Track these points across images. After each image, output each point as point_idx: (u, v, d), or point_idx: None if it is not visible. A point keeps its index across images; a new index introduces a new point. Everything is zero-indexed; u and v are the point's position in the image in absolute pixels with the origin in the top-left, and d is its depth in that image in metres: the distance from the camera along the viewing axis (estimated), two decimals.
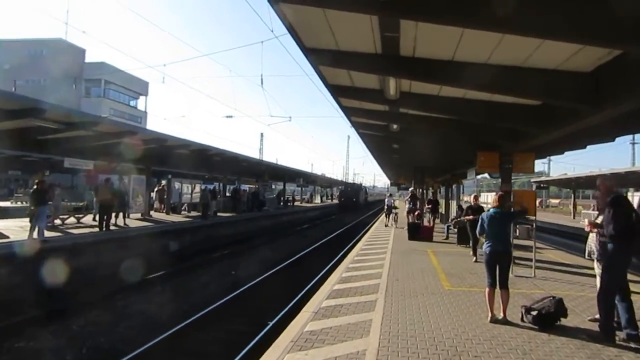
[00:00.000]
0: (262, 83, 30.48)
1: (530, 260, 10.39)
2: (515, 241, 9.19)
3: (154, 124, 74.52)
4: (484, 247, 6.59)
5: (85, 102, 65.57)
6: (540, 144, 11.07)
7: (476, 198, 13.95)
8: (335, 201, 66.89)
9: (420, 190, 30.80)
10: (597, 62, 6.00)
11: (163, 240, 17.71)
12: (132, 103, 77.86)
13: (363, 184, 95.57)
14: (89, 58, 71.42)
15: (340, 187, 76.99)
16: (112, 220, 16.91)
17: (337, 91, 9.92)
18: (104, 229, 15.70)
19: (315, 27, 6.25)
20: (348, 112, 12.61)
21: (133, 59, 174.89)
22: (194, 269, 15.13)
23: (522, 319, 6.37)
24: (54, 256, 12.18)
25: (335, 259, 16.33)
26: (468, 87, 7.45)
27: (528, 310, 6.28)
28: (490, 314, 6.43)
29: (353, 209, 56.14)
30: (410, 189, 29.71)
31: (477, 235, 7.40)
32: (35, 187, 13.79)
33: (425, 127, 12.32)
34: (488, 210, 6.90)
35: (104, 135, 16.22)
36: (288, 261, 16.91)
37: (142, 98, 79.43)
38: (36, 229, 13.13)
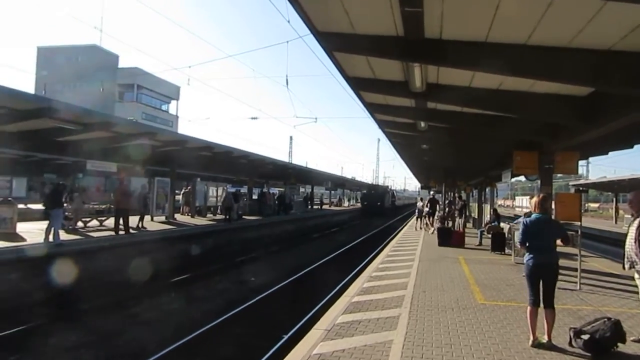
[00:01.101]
0: (287, 83, 29.72)
1: (575, 270, 9.35)
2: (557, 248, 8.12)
3: (182, 127, 75.25)
4: (526, 258, 5.62)
5: (119, 107, 66.99)
6: (584, 142, 9.96)
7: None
8: None
9: (452, 193, 29.66)
10: None
11: (179, 245, 17.23)
12: (164, 107, 79.09)
13: (391, 187, 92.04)
14: (121, 63, 72.83)
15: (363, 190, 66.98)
16: (135, 224, 16.60)
17: (358, 84, 9.10)
18: (120, 232, 15.36)
19: (326, 6, 5.50)
20: (372, 108, 11.76)
21: (158, 61, 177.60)
22: (209, 276, 14.46)
23: (570, 343, 5.41)
24: (57, 261, 11.81)
25: (361, 265, 15.42)
26: (504, 73, 6.50)
27: (578, 333, 5.32)
28: (532, 337, 5.49)
29: (378, 215, 49.52)
30: (432, 192, 29.11)
31: (518, 245, 6.35)
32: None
33: (455, 124, 11.36)
34: (529, 216, 5.94)
35: (124, 137, 15.97)
36: (309, 268, 16.16)
37: (173, 102, 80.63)
38: (52, 232, 12.90)
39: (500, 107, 8.70)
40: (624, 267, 6.01)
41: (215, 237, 20.58)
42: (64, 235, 14.16)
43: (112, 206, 18.05)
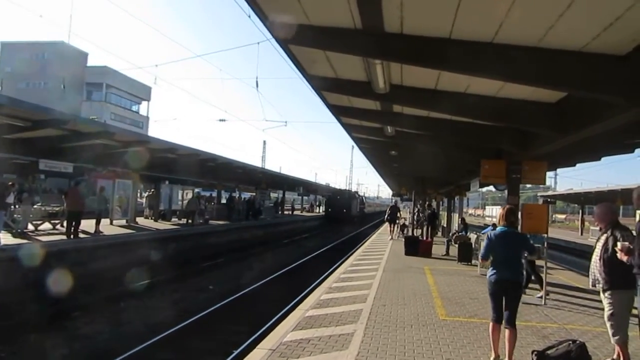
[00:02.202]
0: (257, 85, 28.92)
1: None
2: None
3: (150, 128, 73.22)
4: (489, 274, 5.21)
5: (86, 106, 64.82)
6: (552, 152, 9.67)
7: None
8: None
9: (422, 202, 29.61)
10: (633, 42, 4.66)
11: (135, 250, 16.30)
12: (134, 108, 77.02)
13: (361, 192, 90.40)
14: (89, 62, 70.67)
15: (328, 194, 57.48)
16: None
17: (319, 83, 8.59)
18: (71, 236, 14.45)
19: None
20: (336, 111, 11.28)
21: (122, 59, 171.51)
22: (165, 284, 13.63)
23: None
24: None
25: (326, 274, 14.86)
26: (468, 74, 6.09)
27: (541, 356, 4.90)
28: (493, 354, 5.09)
29: (344, 222, 44.84)
30: (393, 200, 30.25)
31: (480, 259, 5.93)
32: None
33: (422, 129, 10.99)
34: (494, 229, 5.53)
35: (80, 136, 15.05)
36: (272, 276, 15.56)
37: (144, 103, 78.62)
38: None
39: (466, 112, 8.33)
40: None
41: (175, 242, 19.75)
42: (8, 239, 13.23)
43: (63, 209, 17.09)
